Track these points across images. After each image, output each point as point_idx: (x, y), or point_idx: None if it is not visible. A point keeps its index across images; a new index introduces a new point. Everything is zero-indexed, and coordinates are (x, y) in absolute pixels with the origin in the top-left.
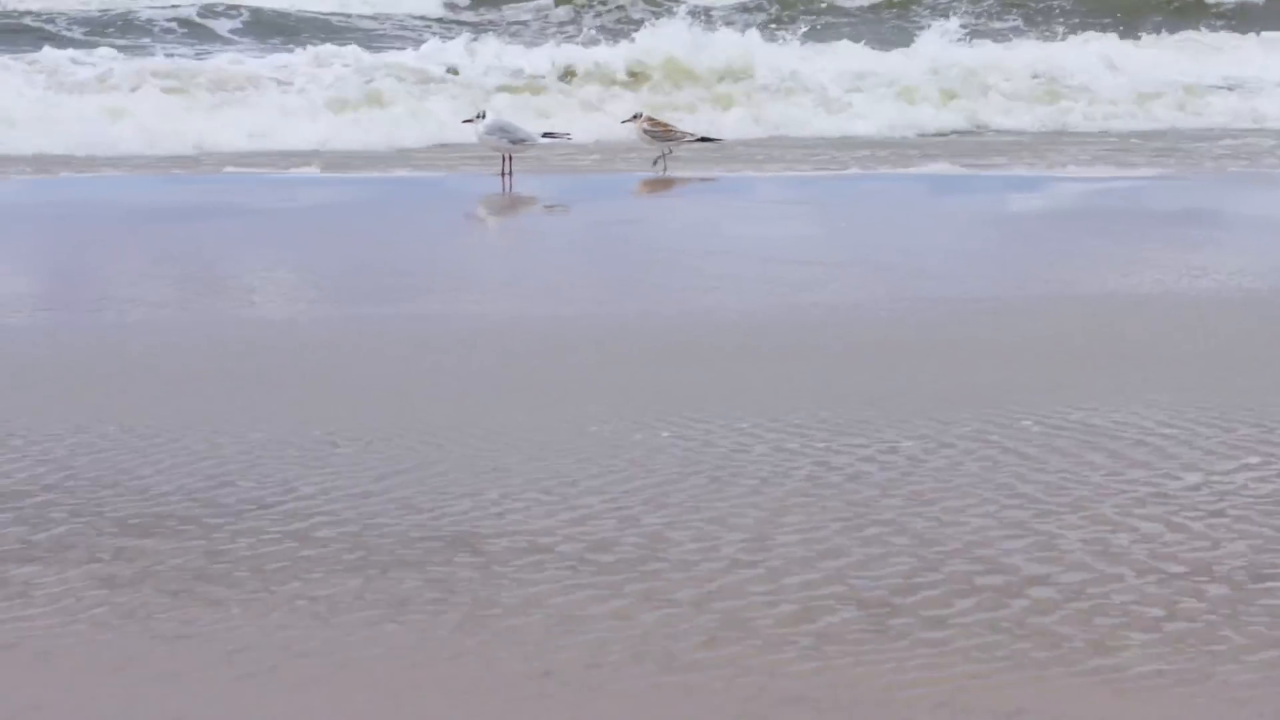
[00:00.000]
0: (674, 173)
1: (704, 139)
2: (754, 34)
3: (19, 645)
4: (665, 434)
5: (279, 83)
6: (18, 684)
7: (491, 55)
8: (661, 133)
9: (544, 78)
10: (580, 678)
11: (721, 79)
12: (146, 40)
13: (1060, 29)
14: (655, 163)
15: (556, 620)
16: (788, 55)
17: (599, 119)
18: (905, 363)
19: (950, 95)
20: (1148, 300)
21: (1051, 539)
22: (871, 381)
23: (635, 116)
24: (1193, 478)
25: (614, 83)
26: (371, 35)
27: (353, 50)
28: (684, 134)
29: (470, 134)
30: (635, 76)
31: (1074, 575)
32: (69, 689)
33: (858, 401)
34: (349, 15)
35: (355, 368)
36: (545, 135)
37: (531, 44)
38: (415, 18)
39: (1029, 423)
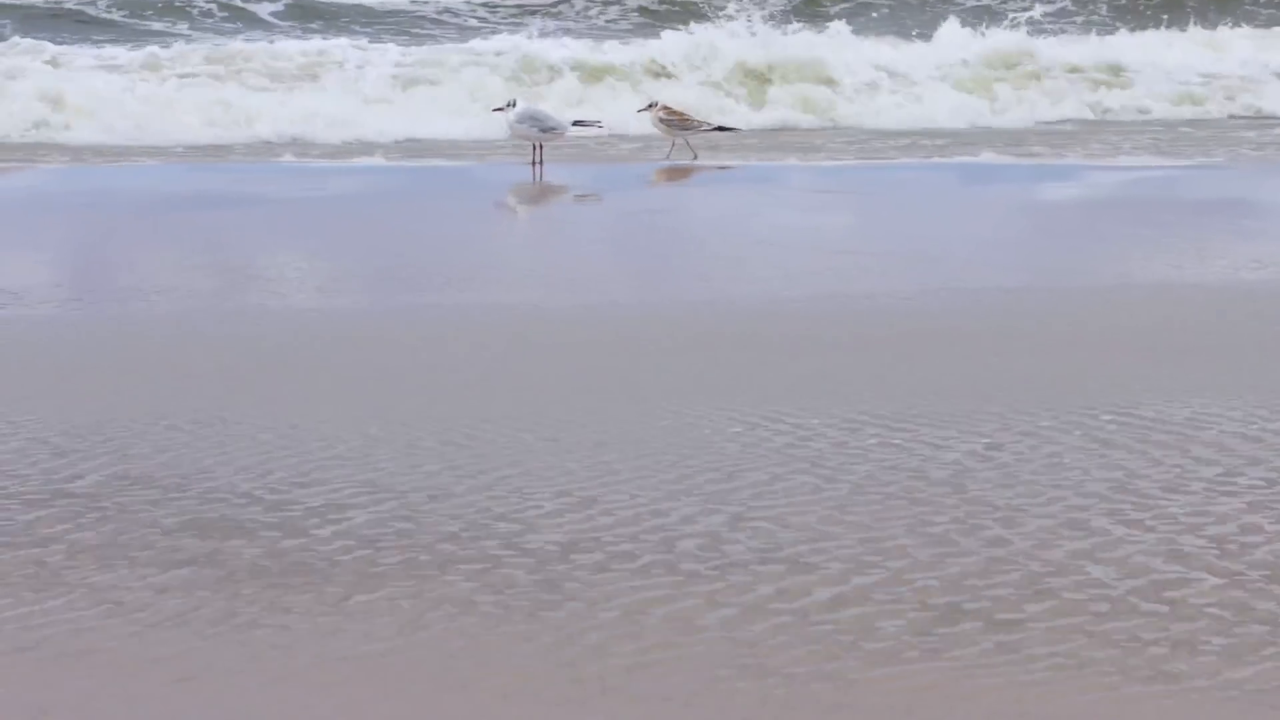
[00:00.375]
0: (725, 160)
1: (721, 128)
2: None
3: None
4: (762, 430)
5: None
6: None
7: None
8: (677, 121)
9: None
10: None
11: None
12: (185, 25)
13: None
14: (669, 153)
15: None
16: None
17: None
18: (968, 353)
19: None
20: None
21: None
22: (942, 373)
23: (651, 105)
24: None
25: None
26: (412, 20)
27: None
28: (700, 123)
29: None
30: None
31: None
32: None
33: (933, 393)
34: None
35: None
36: (575, 124)
37: (600, 35)
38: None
39: (1108, 417)
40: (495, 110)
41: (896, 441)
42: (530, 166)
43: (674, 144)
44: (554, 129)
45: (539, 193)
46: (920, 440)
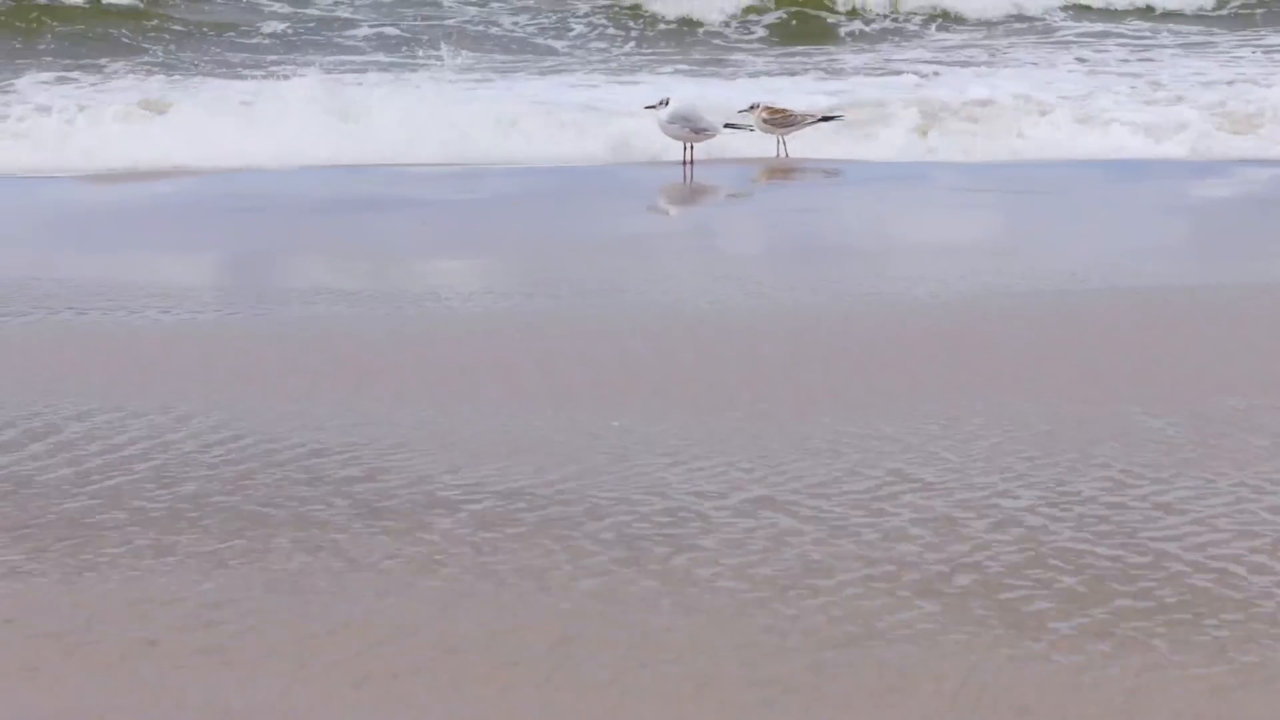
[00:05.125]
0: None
1: (826, 118)
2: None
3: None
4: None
5: None
6: None
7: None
8: (781, 119)
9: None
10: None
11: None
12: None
13: None
14: (778, 152)
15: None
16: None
17: None
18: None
19: None
20: None
21: None
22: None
23: (752, 107)
24: None
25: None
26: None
27: None
28: (804, 116)
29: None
30: None
31: None
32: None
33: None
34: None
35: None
36: (727, 125)
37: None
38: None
39: None
40: (648, 108)
41: None
42: (681, 166)
43: (780, 141)
44: (705, 130)
45: (693, 193)
46: None
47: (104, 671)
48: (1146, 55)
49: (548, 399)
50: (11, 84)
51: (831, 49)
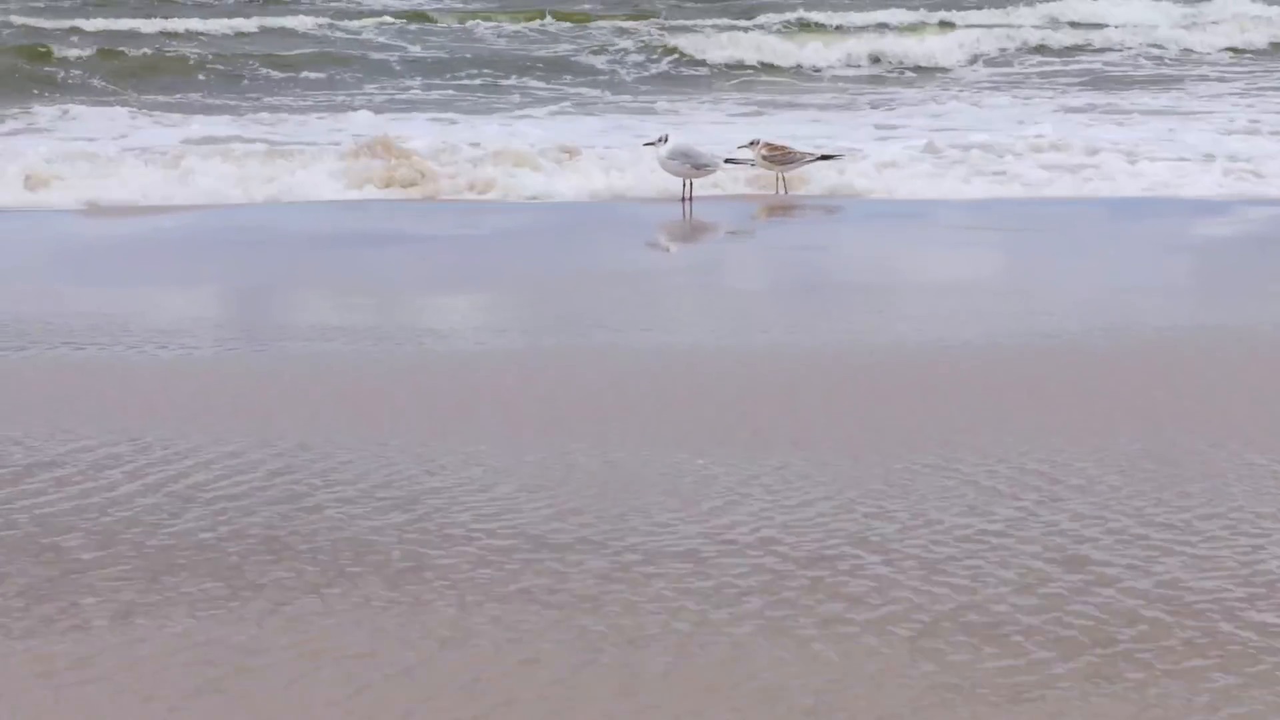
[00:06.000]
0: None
1: (824, 156)
2: None
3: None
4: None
5: None
6: None
7: None
8: (780, 156)
9: None
10: None
11: None
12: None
13: None
14: (777, 190)
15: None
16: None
17: None
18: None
19: None
20: None
21: None
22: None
23: (753, 143)
24: None
25: None
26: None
27: None
28: (804, 154)
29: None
30: None
31: None
32: None
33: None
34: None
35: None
36: (728, 161)
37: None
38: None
39: None
40: (646, 145)
41: None
42: (680, 203)
43: (780, 179)
44: (706, 166)
45: (692, 230)
46: None
47: None
48: None
49: (541, 435)
50: None
51: None
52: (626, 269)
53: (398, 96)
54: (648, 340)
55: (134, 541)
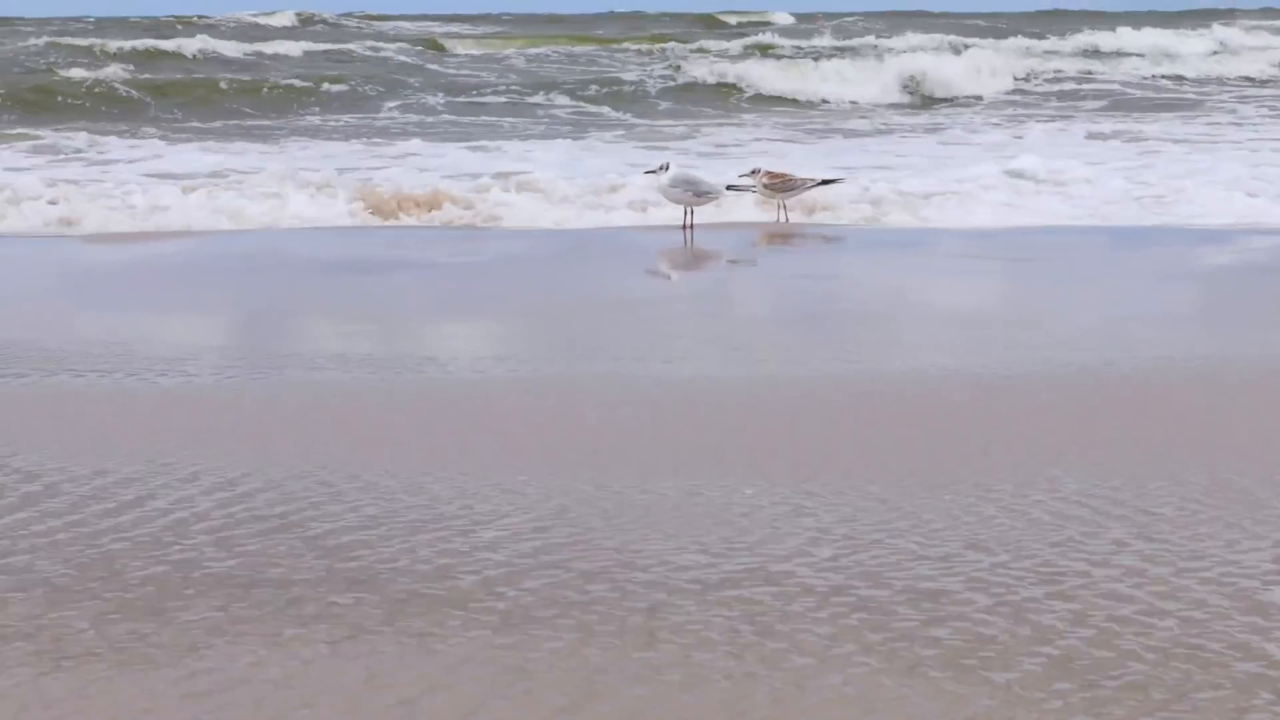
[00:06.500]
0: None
1: (825, 181)
2: None
3: None
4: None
5: None
6: None
7: None
8: (782, 184)
9: None
10: None
11: None
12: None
13: None
14: (778, 217)
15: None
16: None
17: None
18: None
19: None
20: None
21: None
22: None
23: (754, 172)
24: None
25: None
26: None
27: None
28: (804, 180)
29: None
30: None
31: None
32: None
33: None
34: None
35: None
36: (730, 188)
37: None
38: None
39: None
40: (648, 173)
41: None
42: (681, 230)
43: (780, 206)
44: (708, 193)
45: (694, 257)
46: None
47: None
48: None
49: (542, 464)
50: None
51: None
52: (627, 296)
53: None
54: (646, 369)
55: (132, 569)
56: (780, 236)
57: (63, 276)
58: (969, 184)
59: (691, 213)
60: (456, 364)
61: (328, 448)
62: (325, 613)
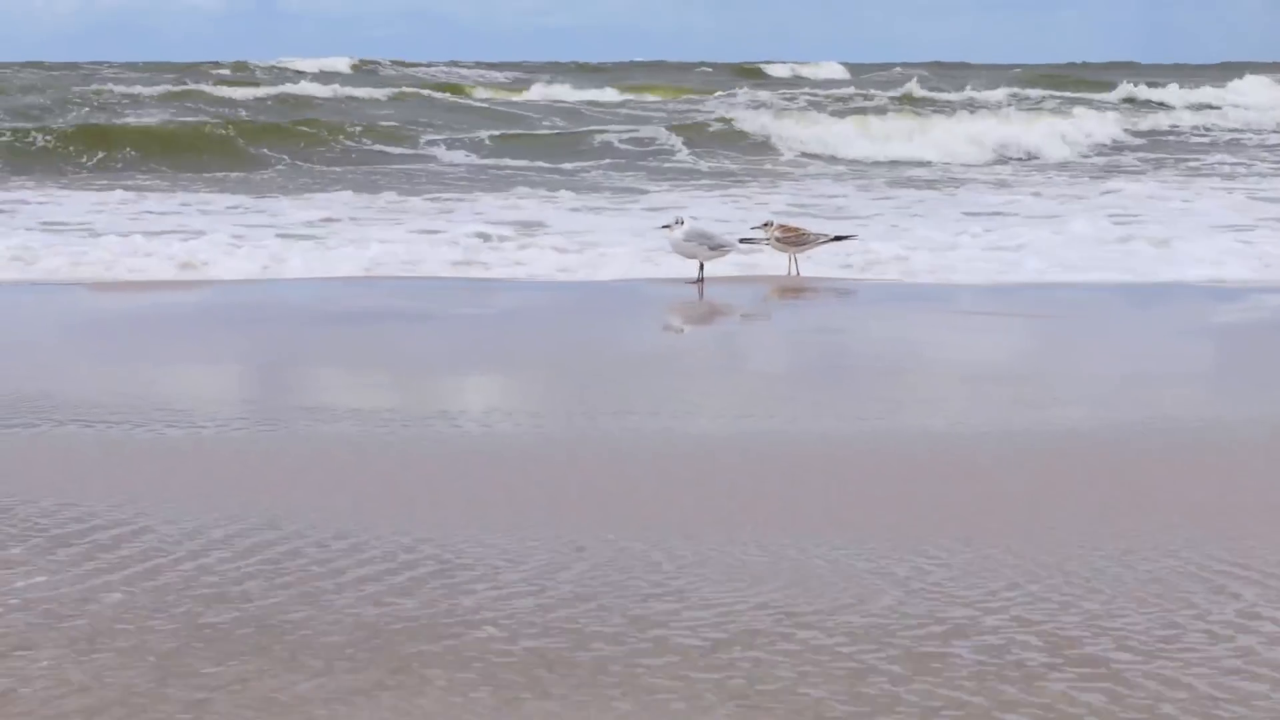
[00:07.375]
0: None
1: (838, 238)
2: None
3: None
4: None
5: None
6: None
7: None
8: (794, 238)
9: None
10: None
11: None
12: None
13: None
14: (790, 270)
15: None
16: None
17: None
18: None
19: None
20: None
21: None
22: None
23: (766, 224)
24: None
25: None
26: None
27: None
28: (817, 235)
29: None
30: None
31: None
32: None
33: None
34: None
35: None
36: (742, 241)
37: None
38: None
39: None
40: (662, 228)
41: None
42: (693, 284)
43: (792, 259)
44: (722, 246)
45: (707, 311)
46: None
47: None
48: None
49: (549, 523)
50: None
51: None
52: (639, 351)
53: None
54: (656, 424)
55: (141, 624)
56: (793, 290)
57: (73, 325)
58: None
59: (703, 266)
60: (465, 418)
61: (330, 499)
62: (332, 667)
